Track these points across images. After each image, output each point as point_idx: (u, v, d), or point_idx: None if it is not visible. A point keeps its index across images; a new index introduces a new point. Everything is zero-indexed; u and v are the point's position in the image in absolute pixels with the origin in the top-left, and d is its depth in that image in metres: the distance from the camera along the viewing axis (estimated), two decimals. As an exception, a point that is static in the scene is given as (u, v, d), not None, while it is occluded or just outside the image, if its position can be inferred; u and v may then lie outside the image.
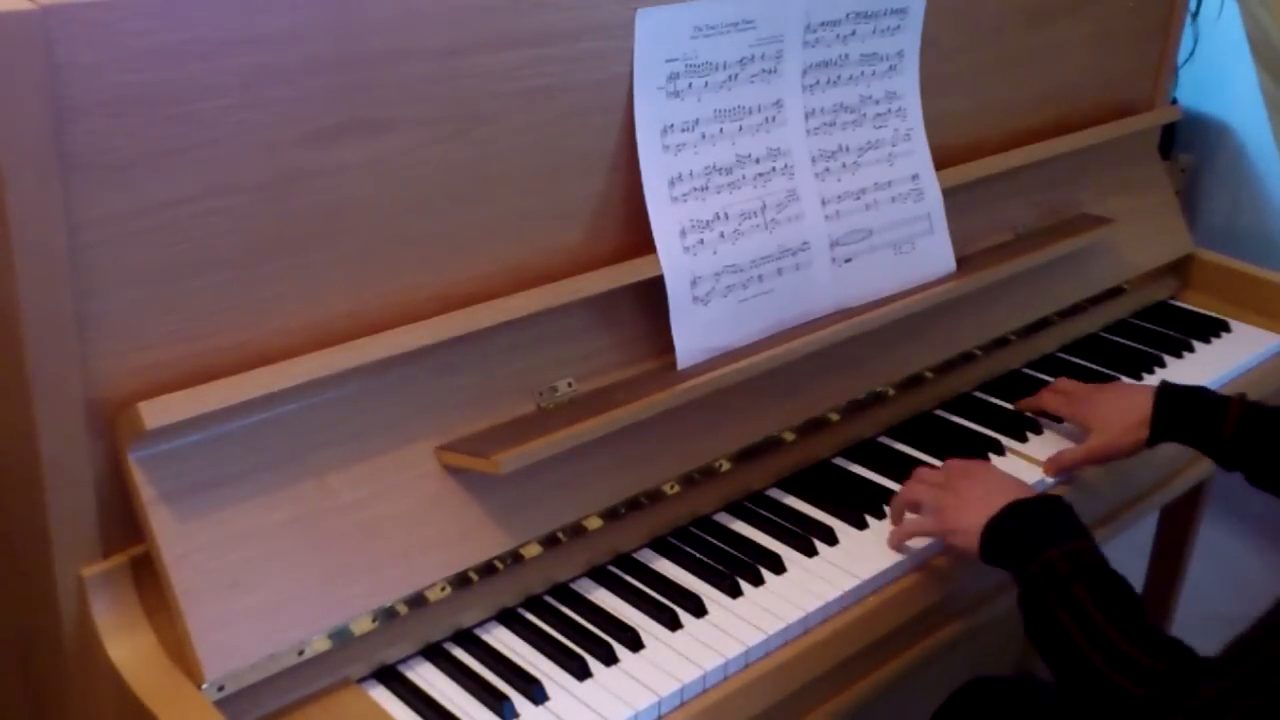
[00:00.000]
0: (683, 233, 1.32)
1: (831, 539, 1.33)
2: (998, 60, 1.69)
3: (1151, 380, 1.70)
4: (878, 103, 1.51)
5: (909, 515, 1.33)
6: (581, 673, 1.14)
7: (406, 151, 1.14)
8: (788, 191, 1.42)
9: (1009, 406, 1.61)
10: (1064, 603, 1.11)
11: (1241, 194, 3.21)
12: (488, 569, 1.18)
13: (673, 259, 1.31)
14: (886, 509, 1.38)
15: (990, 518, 1.22)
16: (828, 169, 1.46)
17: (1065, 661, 1.10)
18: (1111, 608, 1.09)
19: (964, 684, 1.46)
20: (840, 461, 1.49)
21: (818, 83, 1.44)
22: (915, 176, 1.55)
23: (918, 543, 1.32)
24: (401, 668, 1.14)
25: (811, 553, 1.31)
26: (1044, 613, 1.12)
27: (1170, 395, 1.43)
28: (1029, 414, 1.59)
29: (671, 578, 1.27)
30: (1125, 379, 1.69)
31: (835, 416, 1.49)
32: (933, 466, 1.40)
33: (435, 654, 1.16)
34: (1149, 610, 2.09)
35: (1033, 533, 1.19)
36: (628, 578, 1.27)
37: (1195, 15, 3.10)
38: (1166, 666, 1.04)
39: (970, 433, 1.56)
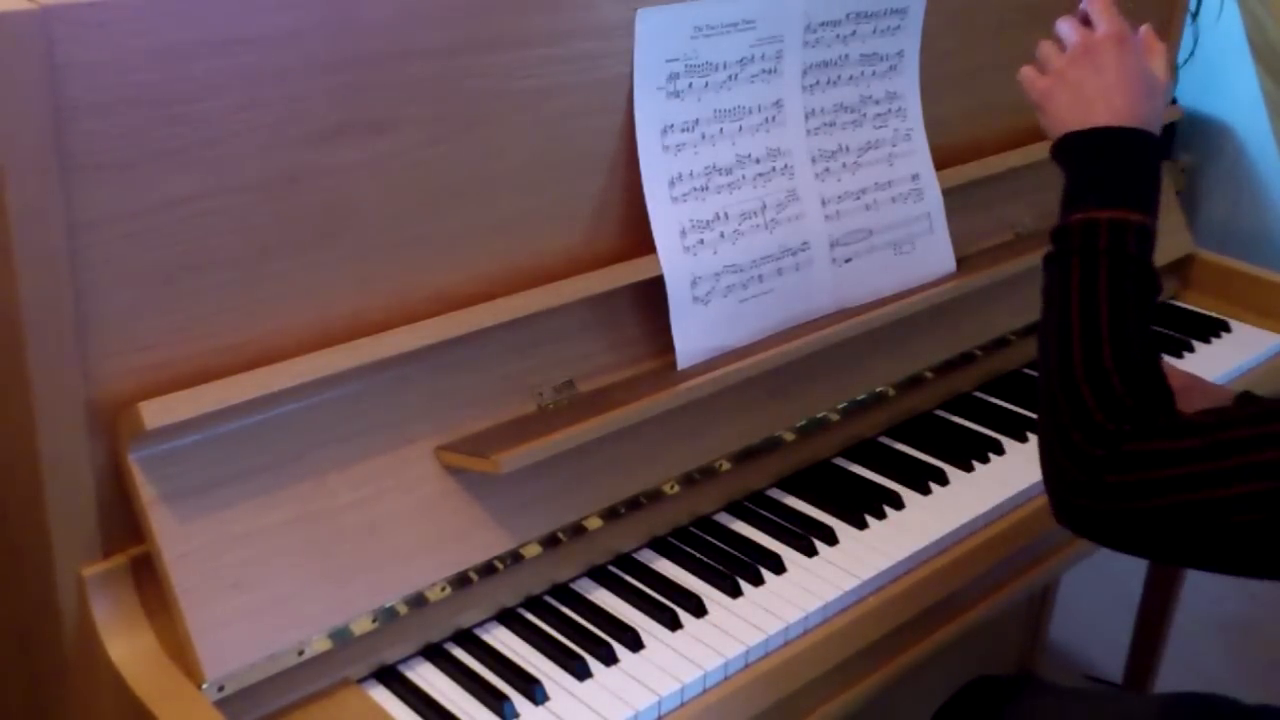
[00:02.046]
0: (683, 233, 1.32)
1: (831, 539, 1.33)
2: (998, 60, 1.69)
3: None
4: (878, 103, 1.51)
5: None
6: (581, 673, 1.14)
7: (406, 151, 1.14)
8: (788, 191, 1.42)
9: (1010, 407, 1.61)
10: (1084, 277, 1.02)
11: (1241, 194, 3.21)
12: (488, 569, 1.18)
13: (673, 259, 1.31)
14: (887, 509, 1.38)
15: (1073, 129, 1.12)
16: (828, 169, 1.46)
17: (1052, 343, 1.01)
18: (1123, 318, 1.00)
19: (966, 683, 1.46)
20: (840, 461, 1.49)
21: (818, 83, 1.44)
22: (915, 176, 1.55)
23: (918, 541, 1.32)
24: (401, 668, 1.14)
25: (811, 553, 1.31)
26: (1062, 274, 1.04)
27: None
28: None
29: (671, 578, 1.27)
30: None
31: (835, 416, 1.49)
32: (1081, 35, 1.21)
33: (435, 654, 1.16)
34: (1147, 611, 2.11)
35: (1099, 176, 1.07)
36: (628, 578, 1.27)
37: (1195, 15, 3.11)
38: (1137, 404, 0.96)
39: (970, 432, 1.55)
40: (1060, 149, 1.14)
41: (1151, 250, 1.06)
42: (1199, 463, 0.91)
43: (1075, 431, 0.96)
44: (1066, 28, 1.22)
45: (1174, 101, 2.67)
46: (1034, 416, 1.58)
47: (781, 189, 1.41)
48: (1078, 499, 0.95)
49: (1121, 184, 1.07)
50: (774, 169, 1.40)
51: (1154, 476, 0.92)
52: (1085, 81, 1.15)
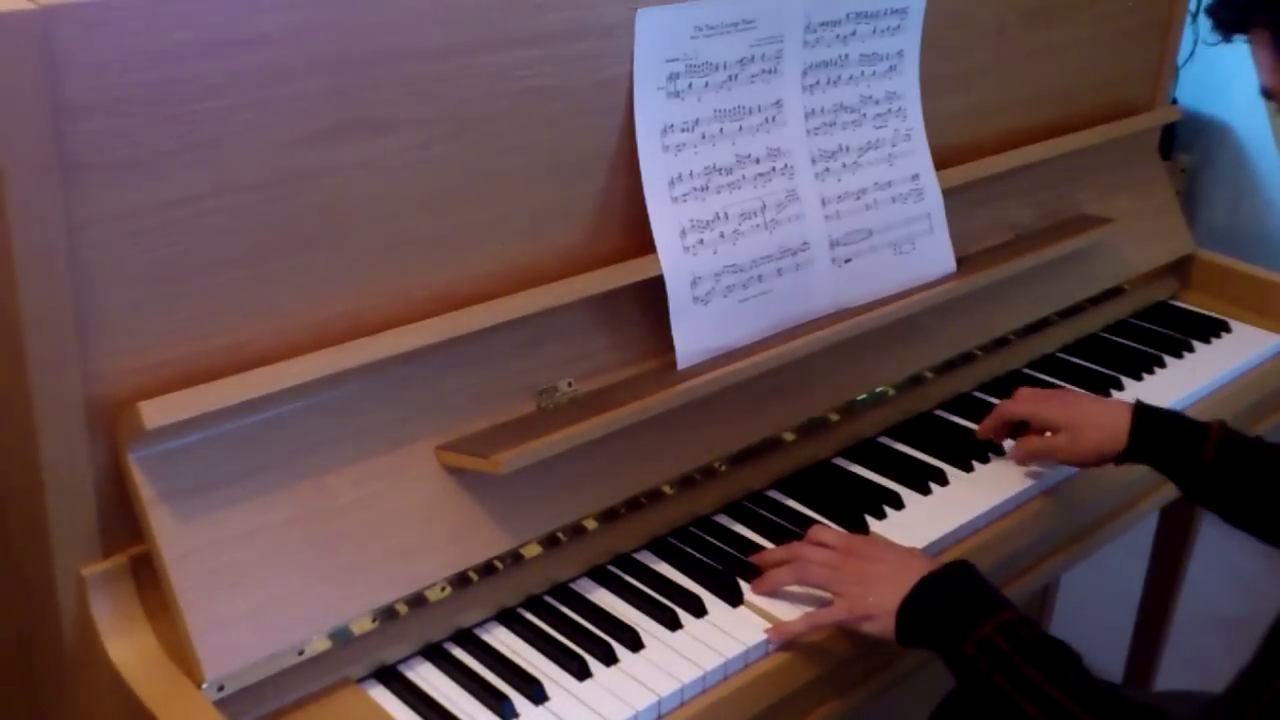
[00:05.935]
0: (683, 233, 1.32)
1: (831, 539, 1.33)
2: (998, 60, 1.69)
3: (1151, 380, 1.71)
4: (878, 103, 1.51)
5: (791, 597, 1.24)
6: (581, 673, 1.14)
7: (406, 151, 1.14)
8: (788, 191, 1.42)
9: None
10: (1015, 681, 1.06)
11: (1241, 194, 3.21)
12: (488, 569, 1.18)
13: (673, 259, 1.31)
14: (887, 509, 1.38)
15: (903, 599, 1.15)
16: (828, 169, 1.46)
17: None
18: (1067, 683, 1.05)
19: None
20: (840, 461, 1.49)
21: (818, 83, 1.44)
22: (915, 176, 1.55)
23: (918, 541, 1.32)
24: (401, 668, 1.14)
25: (811, 553, 1.31)
26: (994, 692, 1.08)
27: (1150, 412, 1.38)
28: (990, 438, 1.49)
29: (671, 578, 1.27)
30: (1125, 379, 1.69)
31: (835, 416, 1.49)
32: (812, 539, 1.26)
33: (435, 654, 1.16)
34: (1147, 610, 2.11)
35: (954, 609, 1.13)
36: (628, 578, 1.27)
37: (1195, 15, 3.10)
38: None
39: (971, 433, 1.55)
40: (906, 618, 1.15)
41: (1027, 620, 1.11)
42: None
43: None
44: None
45: (1174, 101, 2.67)
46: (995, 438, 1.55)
47: (781, 189, 1.41)
48: None
49: (978, 598, 1.13)
50: (774, 169, 1.40)
51: None
52: (868, 568, 1.19)
